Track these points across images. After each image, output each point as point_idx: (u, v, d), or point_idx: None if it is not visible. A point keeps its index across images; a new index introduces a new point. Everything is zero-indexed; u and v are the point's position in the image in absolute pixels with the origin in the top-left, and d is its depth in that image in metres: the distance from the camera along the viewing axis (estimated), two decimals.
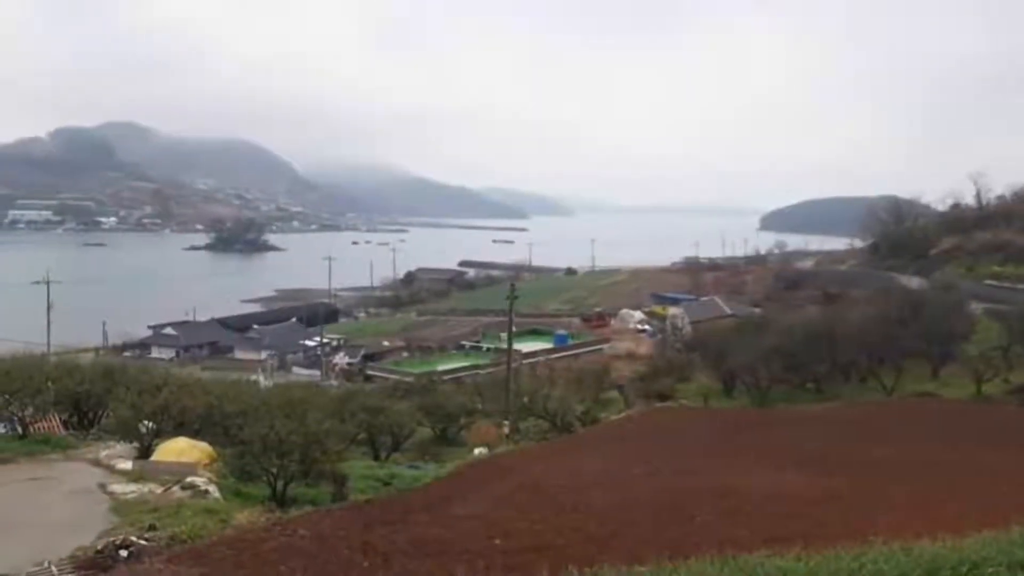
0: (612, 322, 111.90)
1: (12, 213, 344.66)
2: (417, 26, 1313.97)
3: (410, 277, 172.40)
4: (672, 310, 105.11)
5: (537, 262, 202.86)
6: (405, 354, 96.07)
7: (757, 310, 79.47)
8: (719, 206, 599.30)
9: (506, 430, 34.41)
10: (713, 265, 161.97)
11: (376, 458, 31.25)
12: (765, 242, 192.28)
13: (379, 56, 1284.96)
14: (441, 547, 15.05)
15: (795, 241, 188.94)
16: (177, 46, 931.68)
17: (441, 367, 77.62)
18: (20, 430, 27.08)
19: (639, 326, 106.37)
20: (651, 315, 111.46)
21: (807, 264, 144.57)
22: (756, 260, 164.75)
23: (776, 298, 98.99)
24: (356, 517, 17.30)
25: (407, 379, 63.61)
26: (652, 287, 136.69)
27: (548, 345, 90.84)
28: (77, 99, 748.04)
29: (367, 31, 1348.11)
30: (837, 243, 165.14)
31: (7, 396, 27.94)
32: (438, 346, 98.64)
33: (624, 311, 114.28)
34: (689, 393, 46.26)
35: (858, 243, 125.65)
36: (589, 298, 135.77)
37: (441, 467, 27.46)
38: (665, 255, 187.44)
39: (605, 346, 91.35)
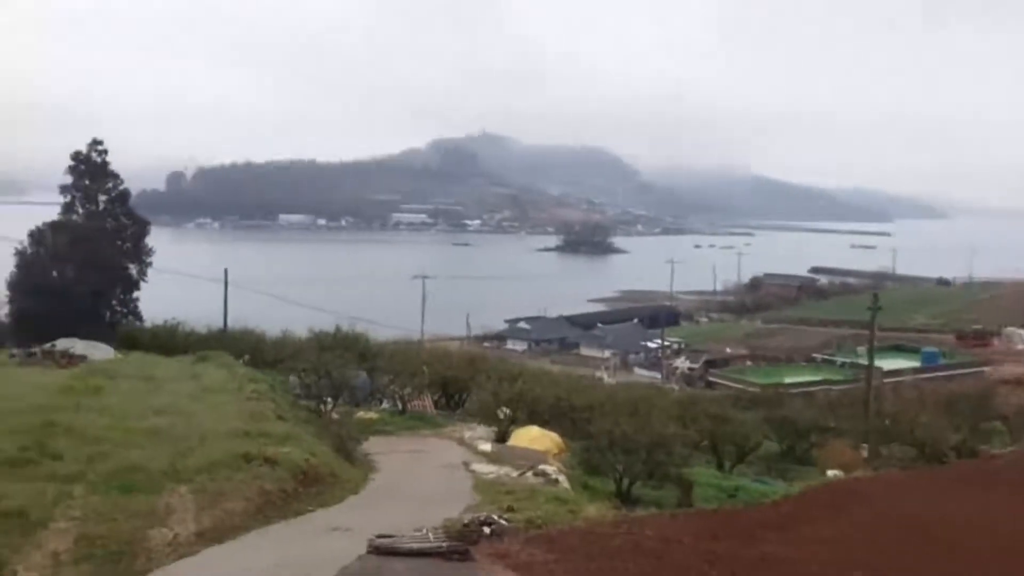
0: (995, 342, 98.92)
1: (396, 216, 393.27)
2: (765, 23, 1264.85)
3: (755, 282, 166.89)
4: None
5: (902, 270, 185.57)
6: (749, 363, 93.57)
7: None
8: None
9: (864, 454, 31.58)
10: None
11: (720, 468, 30.43)
12: None
13: (724, 56, 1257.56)
14: (793, 570, 14.05)
15: None
16: (540, 59, 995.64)
17: (788, 379, 74.45)
18: (400, 407, 30.69)
19: None
20: None
21: None
22: None
23: None
24: (702, 525, 16.80)
25: (751, 389, 61.60)
26: None
27: (915, 364, 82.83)
28: (451, 111, 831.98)
29: (711, 32, 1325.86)
30: None
31: (391, 376, 31.90)
32: (785, 356, 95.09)
33: (1011, 330, 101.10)
34: None
35: None
36: (965, 313, 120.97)
37: (790, 485, 25.93)
38: None
39: (986, 369, 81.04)
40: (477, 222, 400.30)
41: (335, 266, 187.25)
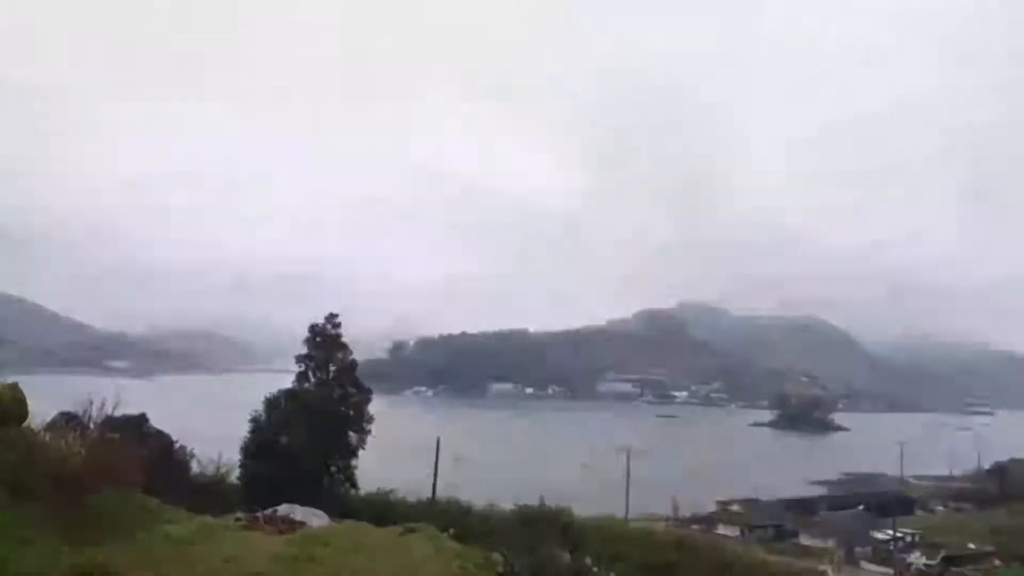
0: None
1: (601, 386, 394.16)
2: (1009, 190, 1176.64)
3: (999, 468, 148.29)
4: None
5: None
6: (997, 562, 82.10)
7: None
8: None
9: None
10: None
11: None
12: None
13: (968, 224, 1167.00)
14: None
15: None
16: (752, 234, 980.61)
17: None
18: None
19: None
20: None
21: None
22: None
23: None
24: None
25: None
26: None
27: None
28: (658, 282, 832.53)
29: (950, 203, 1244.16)
30: None
31: (595, 557, 30.94)
32: None
33: None
34: None
35: None
36: None
37: None
38: None
39: None
40: (684, 393, 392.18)
41: (540, 436, 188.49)
